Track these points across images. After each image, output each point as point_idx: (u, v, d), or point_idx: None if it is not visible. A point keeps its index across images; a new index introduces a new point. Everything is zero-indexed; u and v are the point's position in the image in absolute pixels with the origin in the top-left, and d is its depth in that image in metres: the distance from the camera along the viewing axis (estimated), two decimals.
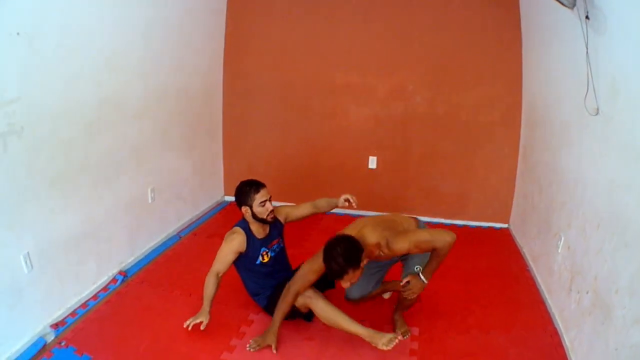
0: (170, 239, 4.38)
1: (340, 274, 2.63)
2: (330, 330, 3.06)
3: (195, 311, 3.11)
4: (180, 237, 4.45)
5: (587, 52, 2.74)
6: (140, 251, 3.99)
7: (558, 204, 3.56)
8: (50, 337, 2.95)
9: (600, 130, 2.82)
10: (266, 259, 3.22)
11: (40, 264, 2.88)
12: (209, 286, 3.06)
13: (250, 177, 5.22)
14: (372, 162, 5.22)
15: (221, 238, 4.26)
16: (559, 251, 3.39)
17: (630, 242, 2.42)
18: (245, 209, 3.16)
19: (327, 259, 2.64)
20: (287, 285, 2.99)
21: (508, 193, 5.00)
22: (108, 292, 3.49)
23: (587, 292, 2.84)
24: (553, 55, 3.78)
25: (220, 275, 3.09)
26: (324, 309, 2.96)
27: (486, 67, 4.77)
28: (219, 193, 5.54)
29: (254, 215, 3.15)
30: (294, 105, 5.23)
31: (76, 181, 3.15)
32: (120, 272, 3.67)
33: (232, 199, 5.34)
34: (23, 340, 2.80)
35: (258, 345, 2.97)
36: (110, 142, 3.45)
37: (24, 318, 2.81)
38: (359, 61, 5.00)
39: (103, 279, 3.52)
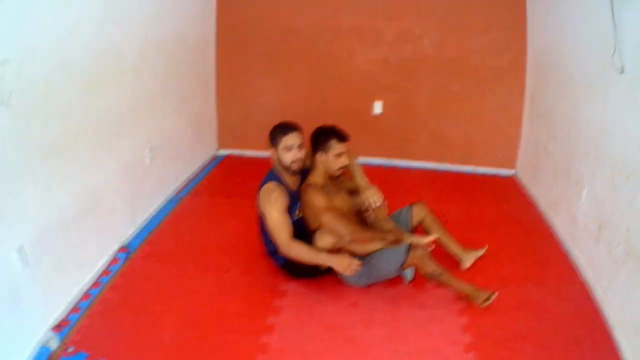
0: (170, 201, 4.03)
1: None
2: (370, 290, 3.01)
3: (217, 285, 2.93)
4: (180, 199, 4.10)
5: (612, 15, 2.80)
6: (141, 220, 3.65)
7: (580, 153, 3.51)
8: (55, 344, 2.48)
9: (627, 88, 2.85)
10: (299, 215, 3.05)
11: (37, 256, 2.45)
12: (304, 251, 2.84)
13: (245, 127, 5.01)
14: (378, 107, 5.00)
15: (225, 196, 4.12)
16: (582, 200, 3.37)
17: None
18: (272, 151, 2.97)
19: (321, 133, 3.00)
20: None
21: (515, 138, 4.91)
22: (111, 274, 3.09)
23: (619, 244, 2.83)
24: (567, 6, 3.75)
25: (290, 237, 2.85)
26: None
27: (492, 12, 4.60)
28: (213, 146, 5.20)
29: (279, 160, 2.94)
30: (295, 50, 4.90)
31: (74, 149, 2.76)
32: (121, 249, 3.27)
33: (228, 152, 5.07)
34: (24, 354, 2.37)
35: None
36: (110, 100, 3.05)
37: (23, 325, 2.39)
38: (365, 4, 4.74)
39: (103, 260, 3.14)
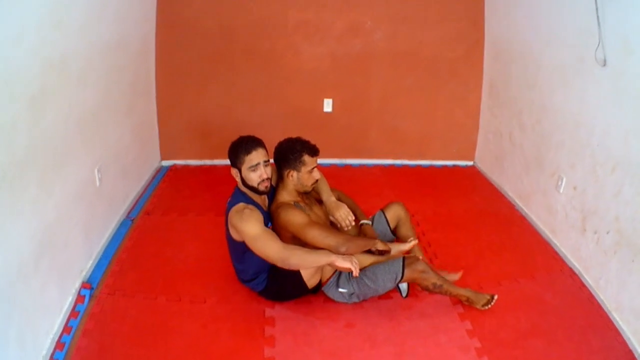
0: (123, 224, 3.58)
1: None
2: (362, 306, 2.84)
3: (197, 319, 2.66)
4: (132, 221, 3.66)
5: (596, 9, 2.85)
6: (98, 249, 3.20)
7: (554, 143, 3.55)
8: None
9: (609, 81, 2.92)
10: None
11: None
12: (305, 255, 2.50)
13: (188, 136, 4.64)
14: (328, 105, 4.77)
15: (178, 213, 3.82)
16: (561, 191, 3.41)
17: None
18: (234, 172, 2.66)
19: (290, 150, 2.75)
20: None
21: (472, 129, 4.89)
22: (79, 316, 2.67)
23: (608, 232, 2.90)
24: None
25: (283, 244, 2.50)
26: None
27: (448, 2, 4.52)
28: (157, 158, 4.72)
29: (244, 182, 2.63)
30: (238, 50, 4.53)
31: (23, 178, 2.28)
32: (84, 285, 2.87)
33: (171, 163, 4.68)
34: None
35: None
36: (56, 116, 2.59)
37: None
38: None
39: (68, 301, 2.73)
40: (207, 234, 3.52)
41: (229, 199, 2.68)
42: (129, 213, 3.73)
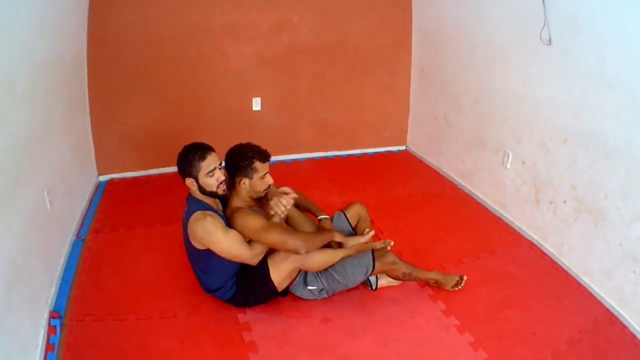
0: (74, 246, 3.39)
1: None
2: (333, 300, 2.87)
3: (173, 335, 2.61)
4: (83, 241, 3.50)
5: None
6: (56, 274, 3.02)
7: (496, 121, 3.70)
8: None
9: (555, 59, 3.07)
10: None
11: None
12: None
13: (122, 148, 4.50)
14: (257, 104, 4.78)
15: (126, 228, 3.78)
16: (508, 167, 3.57)
17: (611, 154, 2.78)
18: (190, 182, 2.59)
19: (240, 157, 2.67)
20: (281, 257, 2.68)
21: (403, 114, 5.05)
22: (55, 349, 2.51)
23: (565, 202, 3.08)
24: None
25: (248, 245, 2.58)
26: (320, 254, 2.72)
27: None
28: (94, 174, 4.47)
29: (202, 189, 2.59)
30: (165, 58, 4.39)
31: None
32: (52, 315, 2.69)
33: (108, 177, 4.54)
34: None
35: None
36: (5, 141, 2.40)
37: None
38: None
39: (41, 334, 2.55)
40: (159, 245, 3.42)
41: (184, 208, 2.63)
42: (78, 233, 3.56)
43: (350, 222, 3.10)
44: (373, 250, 2.79)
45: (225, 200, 2.79)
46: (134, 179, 4.58)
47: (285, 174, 4.50)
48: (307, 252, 2.58)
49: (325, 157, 5.01)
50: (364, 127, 5.04)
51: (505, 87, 3.59)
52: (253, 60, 4.60)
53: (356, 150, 5.09)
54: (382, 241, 2.88)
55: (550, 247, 3.30)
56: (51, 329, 2.63)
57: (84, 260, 3.28)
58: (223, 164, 2.68)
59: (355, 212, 3.15)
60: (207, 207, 2.58)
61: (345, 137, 5.05)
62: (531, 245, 3.41)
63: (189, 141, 4.63)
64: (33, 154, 2.81)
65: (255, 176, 2.69)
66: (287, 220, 2.97)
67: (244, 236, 2.59)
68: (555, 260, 3.23)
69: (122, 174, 4.59)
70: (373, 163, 4.89)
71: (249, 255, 2.57)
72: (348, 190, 4.21)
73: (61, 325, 2.68)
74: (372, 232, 2.93)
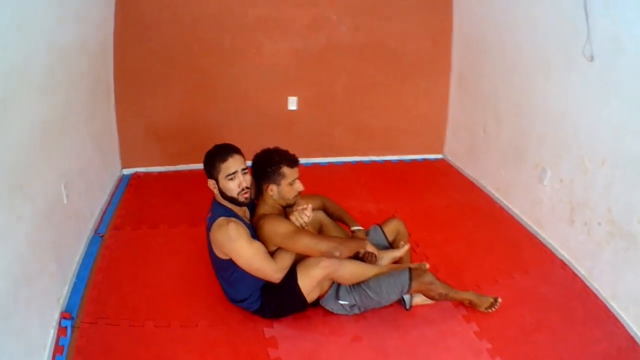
0: (92, 242, 3.27)
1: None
2: (365, 317, 2.69)
3: (192, 345, 2.45)
4: (102, 237, 3.35)
5: (585, 5, 2.83)
6: (71, 273, 2.89)
7: (535, 137, 3.52)
8: None
9: (596, 76, 2.91)
10: None
11: None
12: (287, 259, 2.46)
13: (148, 141, 4.34)
14: (292, 103, 4.58)
15: (149, 226, 3.55)
16: (546, 183, 3.40)
17: None
18: (211, 184, 2.45)
19: (267, 162, 2.52)
20: (308, 263, 2.51)
21: (441, 121, 4.84)
22: (64, 352, 2.38)
23: (600, 224, 2.92)
24: None
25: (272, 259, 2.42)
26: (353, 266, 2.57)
27: None
28: (117, 167, 4.37)
29: (222, 193, 2.42)
30: (196, 49, 4.24)
31: None
32: (63, 315, 2.57)
33: (132, 170, 4.38)
34: None
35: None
36: (18, 131, 2.28)
37: None
38: None
39: (51, 336, 2.42)
40: (185, 248, 3.27)
41: (208, 214, 2.49)
42: (97, 229, 3.42)
43: (388, 237, 2.94)
44: (410, 269, 2.60)
45: (253, 208, 2.64)
46: (160, 174, 4.45)
47: (320, 177, 4.41)
48: (340, 256, 2.43)
49: (362, 162, 4.83)
50: (401, 132, 4.84)
51: (545, 101, 3.41)
52: (289, 57, 4.43)
53: (393, 156, 4.89)
54: (417, 263, 2.76)
55: (581, 268, 3.14)
56: (61, 330, 2.51)
57: (102, 258, 3.16)
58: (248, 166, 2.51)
59: (393, 228, 2.98)
60: (231, 214, 2.43)
61: (382, 142, 4.85)
62: (564, 266, 3.25)
63: (219, 137, 4.53)
64: (50, 146, 2.71)
65: (283, 182, 2.52)
66: (320, 230, 2.85)
67: (272, 243, 2.45)
68: (586, 282, 3.08)
69: (147, 168, 4.49)
70: (410, 170, 4.69)
71: (272, 270, 2.40)
72: (384, 199, 4.05)
73: (72, 326, 2.56)
74: (408, 246, 2.81)
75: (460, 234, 3.60)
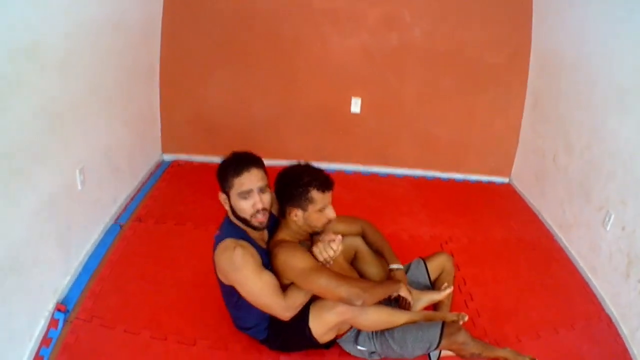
0: (109, 231, 3.13)
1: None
2: None
3: None
4: (121, 227, 3.19)
5: None
6: (77, 262, 2.77)
7: (604, 173, 3.18)
8: None
9: None
10: None
11: None
12: (300, 297, 2.09)
13: (193, 129, 4.17)
14: (356, 105, 4.27)
15: (175, 221, 3.33)
16: (608, 229, 3.06)
17: None
18: (222, 198, 2.10)
19: (293, 184, 2.14)
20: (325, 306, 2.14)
21: (511, 144, 4.42)
22: (51, 345, 2.26)
23: None
24: (592, 9, 3.31)
25: (283, 296, 2.06)
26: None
27: (493, 1, 4.01)
28: (157, 152, 4.24)
29: (234, 212, 2.08)
30: (255, 36, 4.03)
31: None
32: (58, 307, 2.44)
33: (173, 157, 4.21)
34: None
35: None
36: (22, 112, 2.14)
37: None
38: None
39: (40, 326, 2.32)
40: (206, 253, 2.96)
41: (216, 232, 2.17)
42: (117, 218, 3.27)
43: (430, 274, 2.56)
44: (443, 324, 2.21)
45: (274, 228, 2.28)
46: (202, 164, 4.26)
47: (377, 190, 4.16)
48: (363, 304, 2.03)
49: (424, 177, 4.47)
50: (470, 150, 4.45)
51: (618, 134, 3.04)
52: (357, 55, 4.14)
53: (458, 174, 4.51)
54: (455, 313, 2.34)
55: (625, 328, 2.81)
56: (53, 322, 2.40)
57: (115, 250, 3.01)
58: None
59: (438, 264, 2.59)
60: (243, 236, 2.09)
61: (448, 158, 4.48)
62: (609, 323, 2.91)
63: (270, 133, 4.32)
64: (64, 129, 2.57)
65: (311, 208, 2.14)
66: (354, 258, 2.52)
67: (284, 276, 2.11)
68: (627, 345, 2.74)
69: (190, 156, 4.35)
70: (473, 193, 4.31)
71: (280, 307, 2.05)
72: (440, 222, 3.72)
73: (65, 320, 2.44)
74: (450, 290, 2.40)
75: (512, 272, 3.25)
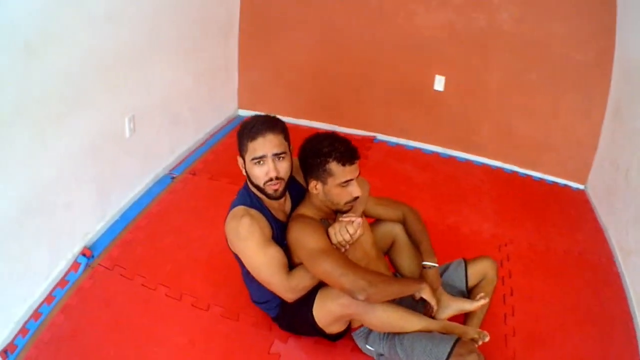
0: (160, 181, 3.21)
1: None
2: None
3: (190, 329, 2.24)
4: (172, 178, 3.25)
5: None
6: (115, 210, 2.89)
7: None
8: None
9: None
10: None
11: None
12: (306, 279, 1.95)
13: (270, 86, 4.13)
14: (439, 83, 4.03)
15: (230, 180, 3.18)
16: None
17: None
18: (240, 162, 1.98)
19: (312, 153, 1.96)
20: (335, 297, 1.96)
21: (590, 150, 3.99)
22: (67, 286, 2.37)
23: None
24: None
25: (288, 275, 1.95)
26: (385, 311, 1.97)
27: None
28: (232, 107, 4.28)
29: (249, 178, 1.96)
30: (338, 3, 3.91)
31: (6, 133, 1.98)
32: (84, 251, 2.55)
33: (249, 113, 4.20)
34: None
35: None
36: (63, 61, 2.22)
37: None
38: None
39: (60, 267, 2.43)
40: None
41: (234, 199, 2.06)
42: (172, 170, 3.32)
43: (469, 280, 2.30)
44: (457, 341, 1.96)
45: (298, 201, 2.14)
46: None
47: (451, 174, 3.96)
48: (367, 300, 1.84)
49: (502, 170, 4.18)
50: (551, 149, 4.09)
51: None
52: (442, 31, 3.90)
53: (536, 172, 4.17)
54: (478, 331, 2.06)
55: None
56: (75, 265, 2.51)
57: (160, 201, 3.08)
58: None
59: (480, 270, 2.31)
60: (256, 204, 1.97)
61: (529, 153, 4.15)
62: None
63: (348, 101, 4.21)
64: (114, 77, 2.65)
65: (331, 182, 1.95)
66: (392, 246, 2.33)
67: (295, 254, 1.99)
68: None
69: (266, 114, 4.21)
70: (546, 195, 3.97)
71: (283, 287, 1.93)
72: (505, 221, 3.46)
73: (87, 265, 2.54)
74: (485, 301, 2.12)
75: (563, 291, 2.93)
